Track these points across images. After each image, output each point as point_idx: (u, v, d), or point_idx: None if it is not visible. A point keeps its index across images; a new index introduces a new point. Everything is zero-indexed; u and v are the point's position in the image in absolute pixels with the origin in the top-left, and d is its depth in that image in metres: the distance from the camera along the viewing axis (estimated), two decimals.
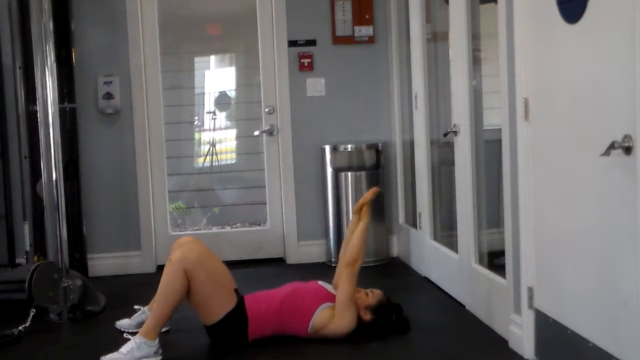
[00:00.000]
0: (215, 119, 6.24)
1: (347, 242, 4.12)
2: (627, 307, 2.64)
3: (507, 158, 3.62)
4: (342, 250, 4.17)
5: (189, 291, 3.68)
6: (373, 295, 3.96)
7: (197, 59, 6.33)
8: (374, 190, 4.16)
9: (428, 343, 3.87)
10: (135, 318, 4.13)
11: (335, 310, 3.84)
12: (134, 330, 3.97)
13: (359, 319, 3.90)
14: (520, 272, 3.52)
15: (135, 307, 4.20)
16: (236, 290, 3.84)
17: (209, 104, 6.24)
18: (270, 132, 5.89)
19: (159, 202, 5.84)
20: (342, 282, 3.87)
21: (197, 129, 6.37)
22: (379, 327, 3.93)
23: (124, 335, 3.77)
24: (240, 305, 3.77)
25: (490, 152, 4.22)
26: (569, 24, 2.96)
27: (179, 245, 3.93)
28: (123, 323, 4.15)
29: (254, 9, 5.87)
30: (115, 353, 3.57)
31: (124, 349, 3.57)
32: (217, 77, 6.43)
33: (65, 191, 4.61)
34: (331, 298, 3.90)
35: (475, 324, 4.09)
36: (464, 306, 4.36)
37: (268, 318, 3.81)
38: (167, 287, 3.66)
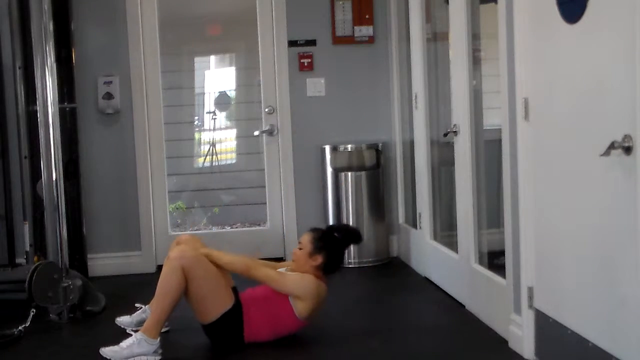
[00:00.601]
0: (215, 119, 6.24)
1: (225, 269, 3.89)
2: (627, 307, 2.64)
3: (507, 158, 3.62)
4: None
5: (186, 289, 3.68)
6: (304, 243, 3.89)
7: (197, 59, 6.33)
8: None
9: (428, 343, 3.88)
10: (136, 316, 4.13)
11: (291, 296, 3.77)
12: (135, 329, 3.98)
13: (317, 268, 3.83)
14: (520, 272, 3.52)
15: (137, 305, 4.20)
16: (234, 289, 3.84)
17: (209, 104, 6.24)
18: (270, 132, 5.89)
19: (159, 202, 5.84)
20: (264, 283, 3.80)
21: (197, 129, 6.37)
22: (336, 254, 3.89)
23: (127, 330, 3.77)
24: (237, 306, 3.77)
25: (490, 152, 4.22)
26: (569, 24, 2.96)
27: (177, 243, 3.95)
28: (123, 320, 4.15)
29: (254, 9, 5.87)
30: (115, 346, 3.59)
31: (124, 343, 3.59)
32: (217, 77, 6.43)
33: (65, 191, 4.61)
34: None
35: (475, 324, 4.09)
36: (464, 306, 4.36)
37: (262, 326, 3.79)
38: (165, 284, 3.67)
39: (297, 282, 3.79)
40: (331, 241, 3.91)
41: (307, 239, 3.90)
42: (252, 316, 3.78)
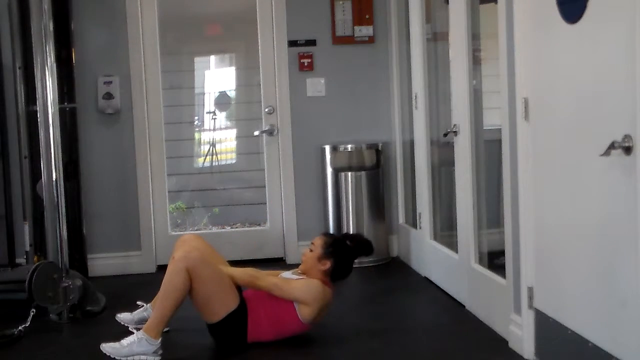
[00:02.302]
0: (215, 119, 6.24)
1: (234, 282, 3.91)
2: (627, 307, 2.64)
3: (507, 158, 3.62)
4: None
5: (191, 289, 3.68)
6: (316, 246, 3.88)
7: (197, 59, 6.32)
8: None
9: (428, 343, 3.88)
10: (137, 314, 4.13)
11: (297, 302, 3.77)
12: (134, 326, 3.98)
13: (324, 272, 3.83)
14: (520, 272, 3.52)
15: (138, 303, 4.19)
16: (238, 288, 3.84)
17: (209, 104, 6.24)
18: (270, 132, 5.89)
19: (159, 202, 5.84)
20: (270, 292, 3.78)
21: (197, 129, 6.37)
22: (346, 261, 3.88)
23: (129, 328, 3.77)
24: (242, 305, 3.77)
25: (490, 152, 4.22)
26: (569, 24, 2.96)
27: (182, 243, 3.94)
28: (124, 317, 4.15)
29: (254, 9, 5.87)
30: (115, 343, 3.59)
31: (125, 341, 3.59)
32: (217, 77, 6.43)
33: (65, 191, 4.61)
34: None
35: (475, 324, 4.09)
36: (464, 306, 4.36)
37: (265, 325, 3.80)
38: (170, 285, 3.67)
39: (303, 287, 3.79)
40: (342, 248, 3.91)
41: (319, 242, 3.90)
42: (256, 316, 3.78)
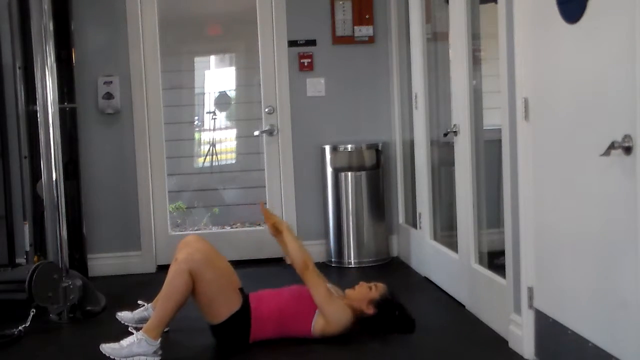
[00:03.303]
0: (215, 119, 6.24)
1: (287, 254, 4.00)
2: (627, 307, 2.64)
3: (507, 158, 3.62)
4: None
5: (194, 291, 3.69)
6: (377, 290, 3.90)
7: (197, 59, 6.33)
8: (262, 206, 4.10)
9: (428, 343, 3.87)
10: (137, 313, 4.13)
11: (323, 314, 3.80)
12: (135, 325, 3.98)
13: (361, 313, 3.84)
14: (520, 272, 3.52)
15: (140, 302, 4.19)
16: (241, 290, 3.84)
17: (209, 104, 6.24)
18: (270, 132, 5.89)
19: (159, 202, 5.84)
20: (310, 289, 3.81)
21: (197, 129, 6.37)
22: (382, 322, 3.87)
23: (129, 328, 3.78)
24: (245, 307, 3.78)
25: (490, 152, 4.22)
26: (569, 24, 2.96)
27: (184, 245, 3.92)
28: (124, 316, 4.15)
29: (254, 9, 5.87)
30: (115, 344, 3.59)
31: (125, 342, 3.58)
32: (217, 77, 6.43)
33: (65, 191, 4.61)
34: None
35: (475, 324, 4.09)
36: (464, 306, 4.36)
37: (268, 324, 3.81)
38: (171, 287, 3.67)
39: (339, 310, 3.81)
40: (390, 313, 3.87)
41: (382, 290, 3.90)
42: (260, 317, 3.78)
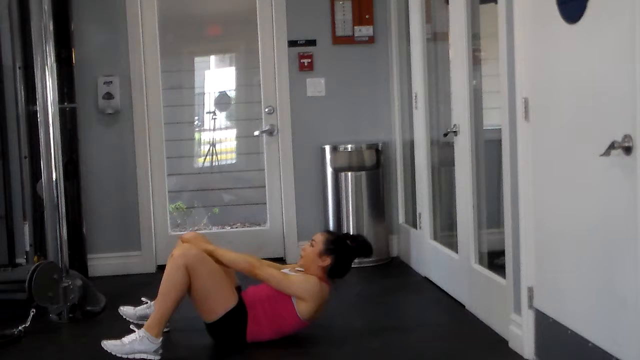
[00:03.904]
0: (215, 119, 6.24)
1: (229, 267, 3.92)
2: (627, 307, 2.64)
3: (507, 158, 3.62)
4: None
5: (190, 287, 3.69)
6: (317, 242, 3.90)
7: (197, 59, 6.32)
8: (184, 239, 4.02)
9: (428, 343, 3.88)
10: (140, 310, 4.13)
11: (295, 296, 3.78)
12: (136, 322, 3.98)
13: (323, 269, 3.84)
14: (520, 272, 3.52)
15: (143, 299, 4.19)
16: (238, 288, 3.84)
17: (209, 104, 6.24)
18: (270, 132, 5.89)
19: (159, 202, 5.84)
20: (267, 283, 3.80)
21: (197, 129, 6.37)
22: (345, 259, 3.90)
23: (130, 326, 3.78)
24: (241, 305, 3.77)
25: (490, 152, 4.22)
26: (569, 24, 2.96)
27: (182, 241, 3.94)
28: (127, 311, 4.15)
29: (254, 9, 5.87)
30: (117, 341, 3.59)
31: (126, 339, 3.59)
32: (217, 77, 6.43)
33: (65, 191, 4.61)
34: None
35: (475, 324, 4.09)
36: (464, 306, 4.36)
37: (265, 326, 3.80)
38: (169, 282, 3.68)
39: (301, 282, 3.80)
40: (343, 247, 3.92)
41: (320, 238, 3.92)
42: (255, 315, 3.78)
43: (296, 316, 3.80)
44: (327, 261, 3.85)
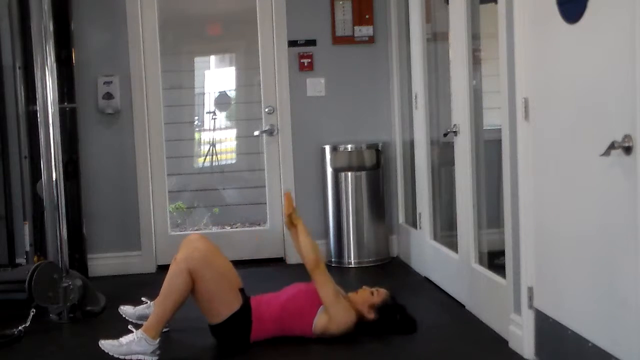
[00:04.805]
0: (215, 119, 6.24)
1: (298, 250, 4.01)
2: (627, 307, 2.64)
3: (507, 158, 3.62)
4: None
5: (193, 290, 3.69)
6: (378, 295, 3.95)
7: (197, 59, 6.33)
8: (287, 195, 4.07)
9: (428, 343, 3.88)
10: (139, 310, 4.13)
11: (328, 313, 3.83)
12: (135, 322, 3.98)
13: (363, 317, 3.88)
14: (520, 272, 3.52)
15: (143, 299, 4.19)
16: (242, 290, 3.84)
17: (209, 104, 6.24)
18: (270, 132, 5.89)
19: (159, 202, 5.84)
20: (318, 287, 3.83)
21: (197, 129, 6.37)
22: (384, 326, 3.91)
23: (129, 327, 3.79)
24: (245, 307, 3.78)
25: (490, 152, 4.22)
26: (569, 24, 2.96)
27: (186, 244, 3.93)
28: (126, 310, 4.15)
29: (254, 9, 5.87)
30: (114, 341, 3.59)
31: (124, 339, 3.59)
32: (217, 77, 6.43)
33: (65, 191, 4.61)
34: None
35: (475, 324, 4.09)
36: (464, 306, 4.36)
37: (269, 323, 3.82)
38: (170, 286, 3.68)
39: (343, 308, 3.84)
40: (390, 317, 3.93)
41: (383, 296, 3.95)
42: (260, 317, 3.79)
43: (310, 324, 3.82)
44: (372, 316, 3.90)
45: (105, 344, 3.59)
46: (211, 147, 6.23)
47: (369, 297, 3.93)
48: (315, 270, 3.83)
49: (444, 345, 3.83)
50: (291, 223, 4.00)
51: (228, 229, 6.15)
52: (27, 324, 4.16)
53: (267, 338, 3.82)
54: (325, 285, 3.82)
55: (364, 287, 4.01)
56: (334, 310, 3.81)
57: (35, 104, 4.69)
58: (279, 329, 3.84)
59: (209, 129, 6.27)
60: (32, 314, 4.21)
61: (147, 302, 4.16)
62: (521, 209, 3.48)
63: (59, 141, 4.56)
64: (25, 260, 5.16)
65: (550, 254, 3.27)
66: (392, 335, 3.90)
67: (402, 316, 3.97)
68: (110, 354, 3.56)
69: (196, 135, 6.38)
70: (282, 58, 5.82)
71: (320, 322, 3.82)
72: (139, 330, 3.62)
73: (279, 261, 5.88)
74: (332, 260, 5.69)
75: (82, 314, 4.46)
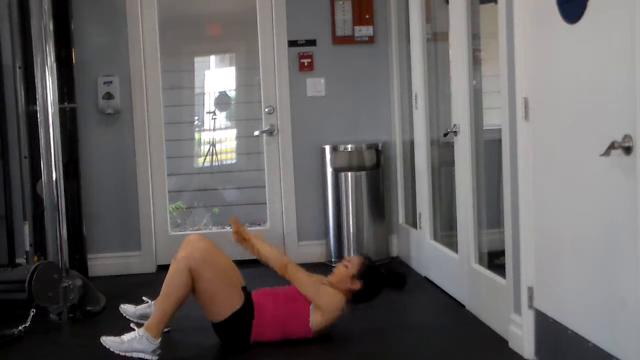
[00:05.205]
0: (215, 119, 6.24)
1: (262, 259, 3.99)
2: (627, 307, 2.64)
3: (507, 158, 3.62)
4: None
5: (194, 289, 3.70)
6: (352, 264, 3.93)
7: (197, 59, 6.33)
8: (233, 219, 4.07)
9: (428, 343, 3.88)
10: (140, 309, 4.13)
11: (318, 307, 3.82)
12: (136, 321, 3.98)
13: (351, 291, 3.87)
14: (520, 272, 3.52)
15: (144, 298, 4.19)
16: (244, 288, 3.84)
17: (209, 104, 6.24)
18: (270, 132, 5.89)
19: (159, 202, 5.84)
20: (297, 286, 3.84)
21: (197, 129, 6.37)
22: (374, 287, 3.92)
23: (131, 325, 3.79)
24: (247, 305, 3.78)
25: (490, 152, 4.22)
26: (569, 24, 2.96)
27: (186, 244, 3.93)
28: (127, 309, 4.15)
29: (254, 9, 5.87)
30: (116, 337, 3.60)
31: (126, 337, 3.59)
32: (217, 77, 6.43)
33: (65, 191, 4.61)
34: None
35: (475, 324, 4.09)
36: (464, 306, 4.36)
37: (270, 328, 3.81)
38: (171, 285, 3.68)
39: (329, 295, 3.84)
40: (375, 276, 3.95)
41: (356, 262, 3.94)
42: (262, 316, 3.79)
43: (307, 324, 3.82)
44: (357, 285, 3.88)
45: (107, 340, 3.59)
46: (211, 147, 6.23)
47: (344, 271, 3.90)
48: (286, 272, 3.86)
49: (444, 345, 3.83)
50: (242, 238, 4.00)
51: (228, 229, 6.14)
52: (27, 324, 4.16)
53: (269, 341, 3.82)
54: (302, 283, 3.84)
55: (337, 264, 4.01)
56: (322, 301, 3.81)
57: (35, 104, 4.69)
58: (280, 334, 3.83)
59: (209, 129, 6.27)
60: (32, 314, 4.21)
61: (148, 302, 4.16)
62: (521, 209, 3.48)
63: (59, 141, 4.56)
64: (25, 260, 5.16)
65: (550, 254, 3.27)
66: (388, 290, 3.93)
67: (387, 270, 4.00)
68: (112, 350, 3.57)
69: (196, 135, 6.38)
70: (282, 58, 5.82)
71: (315, 318, 3.81)
72: (141, 328, 3.63)
73: None
74: (332, 260, 5.69)
75: (82, 314, 4.47)
